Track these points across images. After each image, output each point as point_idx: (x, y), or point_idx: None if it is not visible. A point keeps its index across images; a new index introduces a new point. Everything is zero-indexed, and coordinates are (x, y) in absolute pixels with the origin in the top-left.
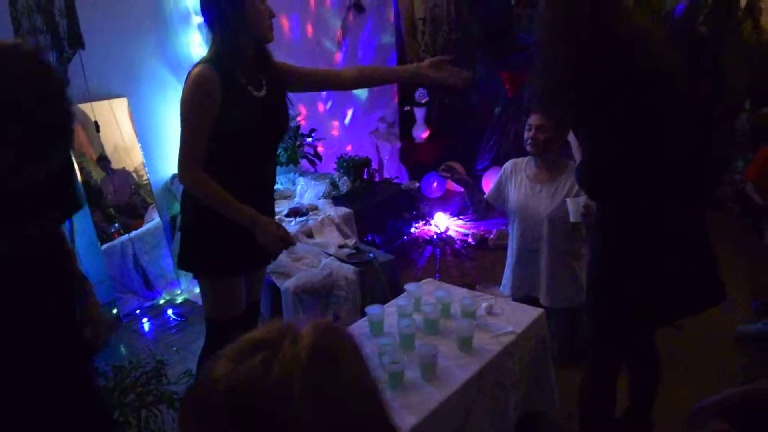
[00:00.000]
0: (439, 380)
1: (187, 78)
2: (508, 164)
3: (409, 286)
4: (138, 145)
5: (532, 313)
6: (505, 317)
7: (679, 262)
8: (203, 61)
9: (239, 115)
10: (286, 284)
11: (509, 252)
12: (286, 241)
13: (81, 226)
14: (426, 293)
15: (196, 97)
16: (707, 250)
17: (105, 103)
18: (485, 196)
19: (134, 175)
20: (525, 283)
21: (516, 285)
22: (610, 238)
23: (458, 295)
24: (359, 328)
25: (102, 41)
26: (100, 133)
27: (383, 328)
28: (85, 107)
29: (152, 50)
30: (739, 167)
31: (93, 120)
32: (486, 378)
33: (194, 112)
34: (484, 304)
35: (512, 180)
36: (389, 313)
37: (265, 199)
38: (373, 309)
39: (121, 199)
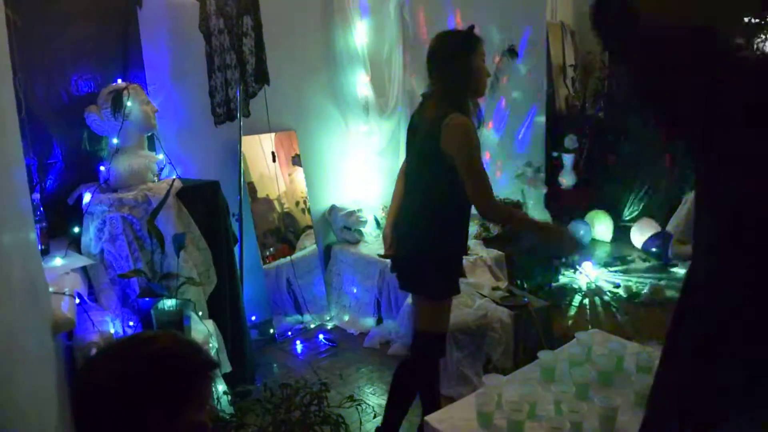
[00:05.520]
0: None
1: (448, 125)
2: None
3: (580, 335)
4: (302, 176)
5: None
6: None
7: None
8: (451, 109)
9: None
10: None
11: None
12: (579, 244)
13: (248, 246)
14: (595, 343)
15: (471, 140)
16: None
17: (278, 135)
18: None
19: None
20: None
21: None
22: None
23: (631, 349)
24: (527, 372)
25: (281, 79)
26: (275, 162)
27: (554, 375)
28: (263, 137)
29: (321, 88)
30: None
31: (271, 150)
32: None
33: (476, 152)
34: None
35: None
36: (558, 360)
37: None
38: (545, 354)
39: (265, 225)
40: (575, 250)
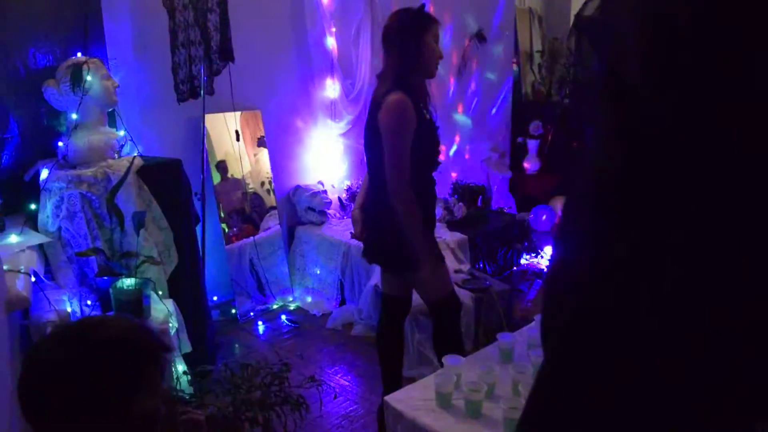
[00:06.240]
0: None
1: (385, 103)
2: None
3: (539, 317)
4: (266, 156)
5: None
6: None
7: None
8: (394, 87)
9: (425, 136)
10: None
11: None
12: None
13: (211, 226)
14: None
15: (404, 122)
16: None
17: (243, 114)
18: None
19: (259, 183)
20: None
21: None
22: None
23: None
24: (486, 354)
25: (247, 57)
26: (239, 141)
27: (513, 357)
28: (228, 116)
29: (287, 67)
30: None
31: (235, 129)
32: None
33: (403, 136)
34: None
35: None
36: (517, 342)
37: (434, 209)
38: (504, 336)
39: (231, 205)
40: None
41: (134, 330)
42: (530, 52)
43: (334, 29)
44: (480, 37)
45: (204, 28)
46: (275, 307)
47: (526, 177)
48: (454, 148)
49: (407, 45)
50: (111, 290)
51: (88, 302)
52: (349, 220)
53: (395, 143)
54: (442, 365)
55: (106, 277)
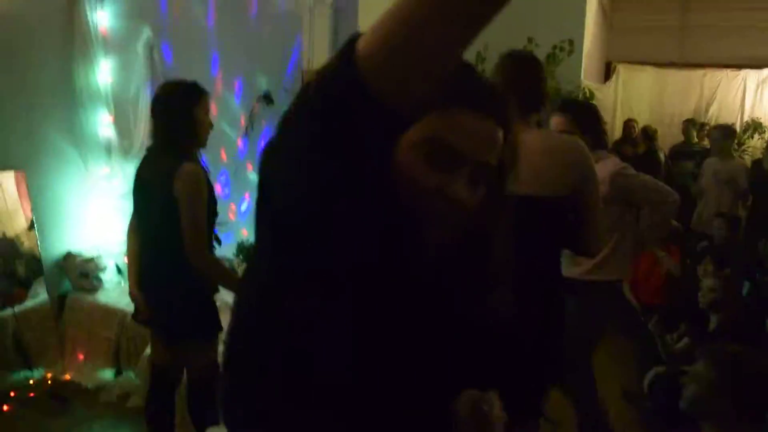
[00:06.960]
0: None
1: (180, 174)
2: None
3: None
4: (31, 219)
5: None
6: None
7: None
8: (181, 159)
9: (213, 200)
10: None
11: None
12: None
13: None
14: None
15: (200, 190)
16: None
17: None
18: None
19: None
20: None
21: None
22: None
23: None
24: None
25: (7, 111)
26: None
27: None
28: None
29: (58, 126)
30: None
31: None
32: None
33: (201, 203)
34: None
35: None
36: None
37: None
38: None
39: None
40: None
41: None
42: None
43: (110, 83)
44: (268, 99)
45: None
46: (43, 381)
47: None
48: (245, 205)
49: (180, 118)
50: None
51: None
52: (126, 285)
53: (197, 212)
54: None
55: None
